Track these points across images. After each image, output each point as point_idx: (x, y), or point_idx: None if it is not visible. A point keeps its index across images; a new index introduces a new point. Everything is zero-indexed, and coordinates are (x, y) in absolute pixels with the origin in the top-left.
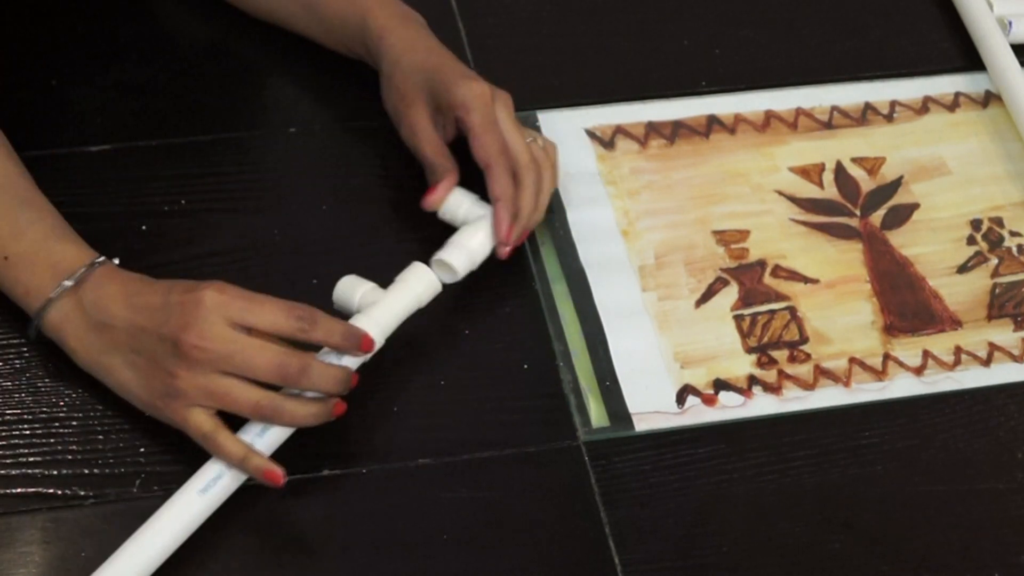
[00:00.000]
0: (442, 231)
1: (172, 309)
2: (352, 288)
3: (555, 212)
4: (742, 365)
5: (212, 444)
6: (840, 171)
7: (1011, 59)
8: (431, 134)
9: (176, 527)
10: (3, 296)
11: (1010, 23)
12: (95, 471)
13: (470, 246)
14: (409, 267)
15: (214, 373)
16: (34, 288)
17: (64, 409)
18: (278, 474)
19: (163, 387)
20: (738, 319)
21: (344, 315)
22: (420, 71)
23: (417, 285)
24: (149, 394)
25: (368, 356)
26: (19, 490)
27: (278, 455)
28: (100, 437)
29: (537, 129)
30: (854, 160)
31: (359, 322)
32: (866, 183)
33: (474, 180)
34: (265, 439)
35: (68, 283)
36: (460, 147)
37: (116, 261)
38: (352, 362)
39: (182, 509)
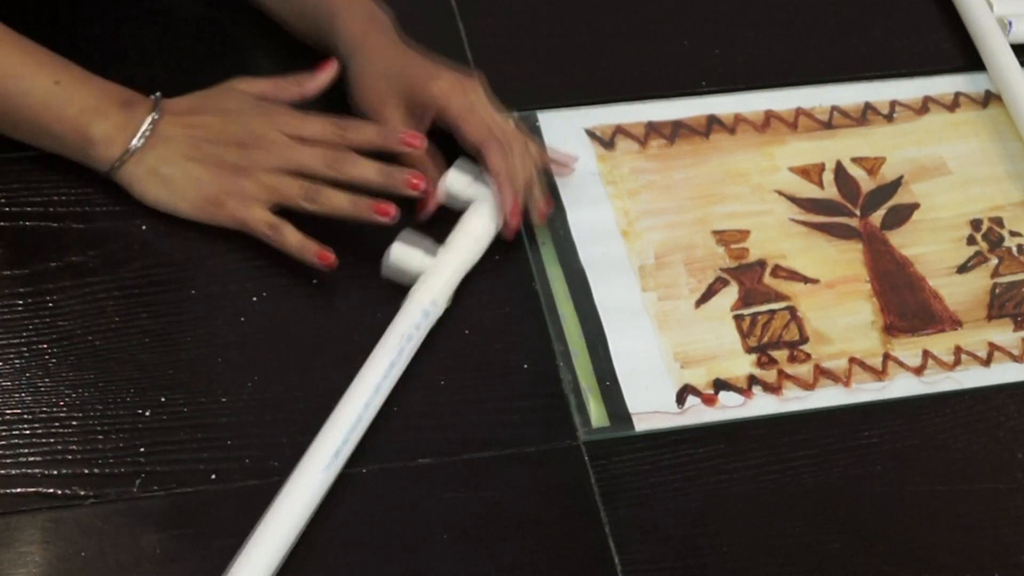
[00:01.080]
0: (447, 227)
1: (231, 122)
2: (407, 259)
3: (555, 212)
4: (742, 365)
5: (278, 234)
6: (840, 171)
7: (1011, 59)
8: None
9: (306, 505)
10: (4, 301)
11: (1010, 23)
12: (95, 471)
13: (475, 234)
14: (457, 227)
15: (270, 171)
16: (89, 110)
17: (64, 409)
18: (332, 256)
19: (225, 186)
20: (738, 319)
21: (402, 285)
22: (391, 75)
23: (468, 254)
24: (206, 197)
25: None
26: (19, 490)
27: (276, 457)
28: (100, 437)
29: (537, 130)
30: (854, 160)
31: (420, 290)
32: (866, 183)
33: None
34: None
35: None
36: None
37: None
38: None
39: (308, 487)
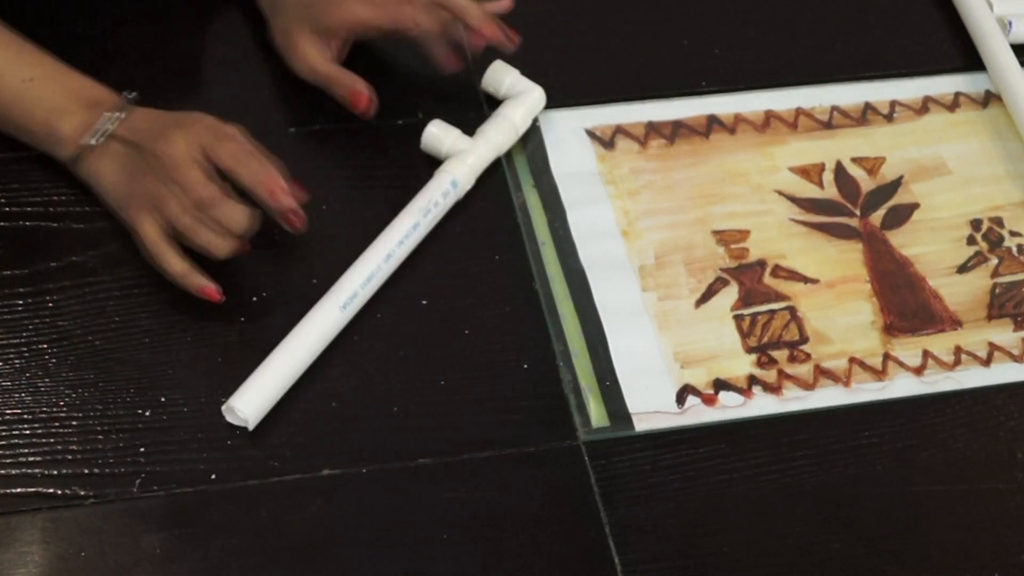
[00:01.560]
0: (440, 233)
1: (160, 129)
2: (440, 136)
3: (555, 212)
4: (742, 365)
5: (159, 253)
6: (840, 171)
7: (1011, 59)
8: (323, 53)
9: (317, 340)
10: (4, 301)
11: (1010, 23)
12: (95, 471)
13: (504, 127)
14: (491, 118)
15: (165, 186)
16: (57, 108)
17: (64, 409)
18: (214, 291)
19: (130, 189)
20: (738, 319)
21: (435, 159)
22: (297, 7)
23: (499, 136)
24: (119, 195)
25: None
26: (19, 490)
27: (276, 457)
28: (100, 437)
29: (537, 129)
30: (854, 160)
31: (451, 165)
32: (866, 183)
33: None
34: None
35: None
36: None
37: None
38: None
39: (324, 323)
